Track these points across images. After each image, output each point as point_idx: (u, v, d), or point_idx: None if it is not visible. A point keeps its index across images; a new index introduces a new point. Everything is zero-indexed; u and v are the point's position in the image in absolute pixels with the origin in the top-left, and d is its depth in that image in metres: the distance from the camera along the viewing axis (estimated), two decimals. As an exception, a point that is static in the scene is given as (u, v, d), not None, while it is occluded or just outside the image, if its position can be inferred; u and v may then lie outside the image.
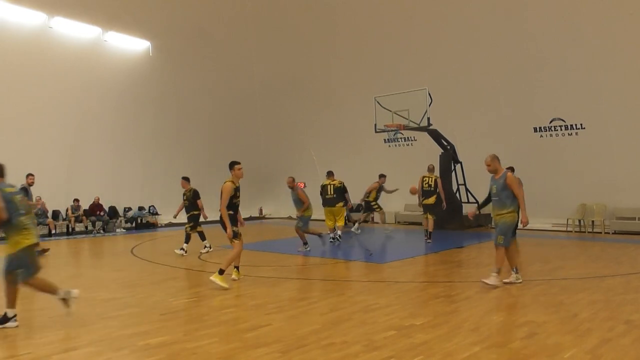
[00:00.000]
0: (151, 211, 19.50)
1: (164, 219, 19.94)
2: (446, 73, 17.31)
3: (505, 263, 7.39)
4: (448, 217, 16.01)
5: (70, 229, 17.00)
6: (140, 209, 19.22)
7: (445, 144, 16.44)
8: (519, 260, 9.16)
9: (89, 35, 17.68)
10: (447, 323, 5.42)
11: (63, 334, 5.24)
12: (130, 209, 18.97)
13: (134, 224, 18.81)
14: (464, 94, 17.18)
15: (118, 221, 18.39)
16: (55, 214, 16.94)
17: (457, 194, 16.64)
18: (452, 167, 16.59)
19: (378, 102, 16.59)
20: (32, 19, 16.17)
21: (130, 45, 18.88)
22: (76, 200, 16.93)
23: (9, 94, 15.66)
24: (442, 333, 5.06)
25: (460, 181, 16.72)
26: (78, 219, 17.06)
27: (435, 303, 6.43)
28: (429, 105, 15.37)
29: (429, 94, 15.36)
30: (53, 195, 16.55)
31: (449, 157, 16.49)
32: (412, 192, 12.77)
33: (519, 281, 7.37)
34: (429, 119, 15.44)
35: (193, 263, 9.87)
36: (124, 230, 18.01)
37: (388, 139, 19.40)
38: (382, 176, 15.10)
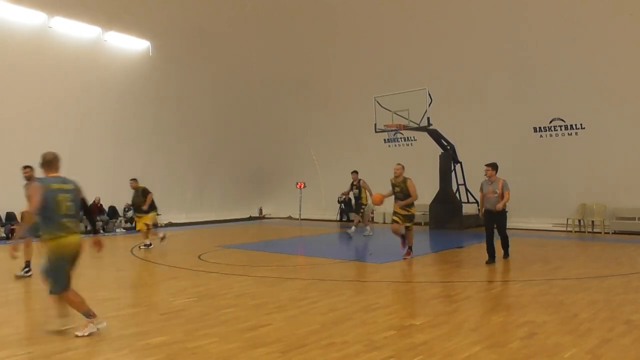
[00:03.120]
0: (151, 211, 19.48)
1: (163, 218, 19.94)
2: (446, 73, 17.31)
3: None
4: (448, 217, 16.06)
5: (70, 229, 16.98)
6: (140, 209, 19.20)
7: (445, 144, 16.44)
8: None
9: (89, 35, 17.67)
10: (447, 323, 5.42)
11: (63, 333, 5.23)
12: (130, 208, 18.94)
13: (133, 224, 18.79)
14: (464, 94, 17.18)
15: (118, 221, 18.38)
16: (55, 214, 16.92)
17: (457, 194, 16.66)
18: (452, 167, 16.59)
19: (378, 102, 16.58)
20: (32, 19, 16.16)
21: (130, 45, 18.87)
22: (76, 200, 16.93)
23: (9, 94, 15.64)
24: (442, 333, 5.06)
25: (460, 181, 16.73)
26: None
27: (435, 303, 6.43)
28: (429, 105, 15.37)
29: (429, 94, 15.36)
30: (53, 195, 16.56)
31: (449, 157, 16.49)
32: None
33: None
34: (429, 119, 15.43)
35: (193, 263, 9.87)
36: (124, 230, 18.00)
37: (388, 139, 19.40)
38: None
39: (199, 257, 10.63)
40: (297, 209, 21.13)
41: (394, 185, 9.84)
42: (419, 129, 15.97)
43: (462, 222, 15.63)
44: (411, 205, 9.71)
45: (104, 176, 18.21)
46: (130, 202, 12.91)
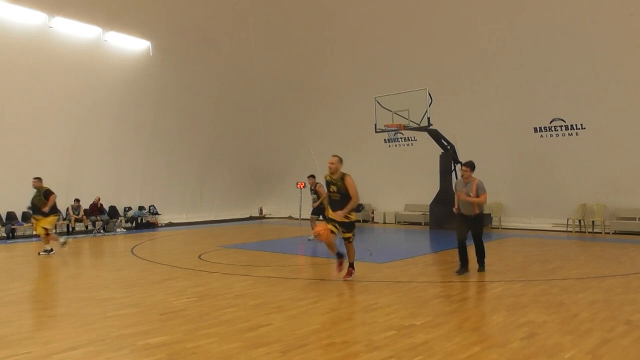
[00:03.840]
0: (151, 211, 19.51)
1: (164, 218, 19.97)
2: (447, 73, 17.31)
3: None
4: (448, 217, 16.05)
5: (70, 229, 17.00)
6: (140, 208, 19.22)
7: (445, 144, 16.44)
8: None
9: (89, 35, 17.67)
10: (447, 323, 5.42)
11: (63, 333, 5.24)
12: (130, 208, 18.96)
13: (134, 224, 18.81)
14: (464, 93, 17.18)
15: (118, 221, 18.39)
16: (56, 214, 16.92)
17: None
18: (452, 167, 16.59)
19: (378, 102, 16.59)
20: (32, 19, 16.16)
21: (130, 45, 18.87)
22: (77, 200, 16.93)
23: (9, 94, 15.65)
24: (442, 333, 5.06)
25: (460, 181, 16.73)
26: (78, 219, 17.07)
27: (435, 303, 6.43)
28: (429, 105, 15.37)
29: (429, 94, 15.36)
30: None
31: (449, 157, 16.48)
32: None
33: None
34: (429, 119, 15.45)
35: (193, 263, 9.87)
36: (124, 230, 18.00)
37: (388, 139, 19.41)
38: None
39: (199, 257, 10.64)
40: (297, 209, 21.13)
41: (329, 183, 7.71)
42: (419, 129, 15.98)
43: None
44: (351, 210, 7.61)
45: (104, 176, 18.25)
46: (29, 203, 11.64)
